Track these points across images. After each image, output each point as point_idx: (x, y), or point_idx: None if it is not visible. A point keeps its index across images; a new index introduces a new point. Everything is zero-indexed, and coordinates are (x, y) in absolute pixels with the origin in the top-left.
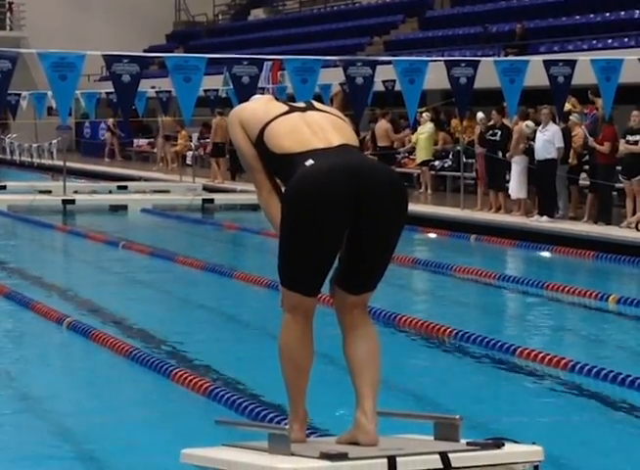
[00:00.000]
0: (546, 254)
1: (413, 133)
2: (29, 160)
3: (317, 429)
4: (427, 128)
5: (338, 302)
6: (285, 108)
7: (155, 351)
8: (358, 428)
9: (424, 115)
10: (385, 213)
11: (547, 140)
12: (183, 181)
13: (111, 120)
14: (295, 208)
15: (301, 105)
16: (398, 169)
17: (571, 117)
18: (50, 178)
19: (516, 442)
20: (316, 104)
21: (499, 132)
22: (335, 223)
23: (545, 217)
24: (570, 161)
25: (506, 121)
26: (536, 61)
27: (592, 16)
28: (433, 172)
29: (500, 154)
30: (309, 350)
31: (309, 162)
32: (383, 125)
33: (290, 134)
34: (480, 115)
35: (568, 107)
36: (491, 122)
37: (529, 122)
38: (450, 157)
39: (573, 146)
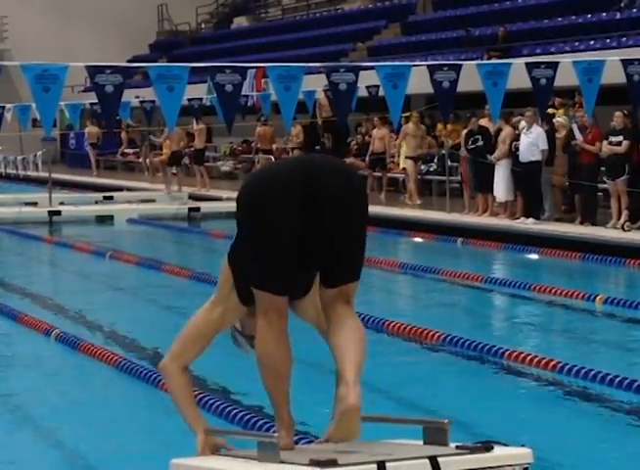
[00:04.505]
0: (533, 255)
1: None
2: (15, 172)
3: (307, 433)
4: None
5: (322, 302)
6: None
7: (143, 360)
8: (339, 399)
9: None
10: (340, 202)
11: (531, 142)
12: (169, 190)
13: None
14: (248, 203)
15: None
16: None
17: (559, 119)
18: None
19: (505, 445)
20: None
21: (480, 137)
22: (287, 215)
23: (531, 219)
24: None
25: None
26: (519, 63)
27: (574, 17)
28: (418, 176)
29: (489, 157)
30: (286, 353)
31: None
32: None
33: None
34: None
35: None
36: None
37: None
38: (435, 161)
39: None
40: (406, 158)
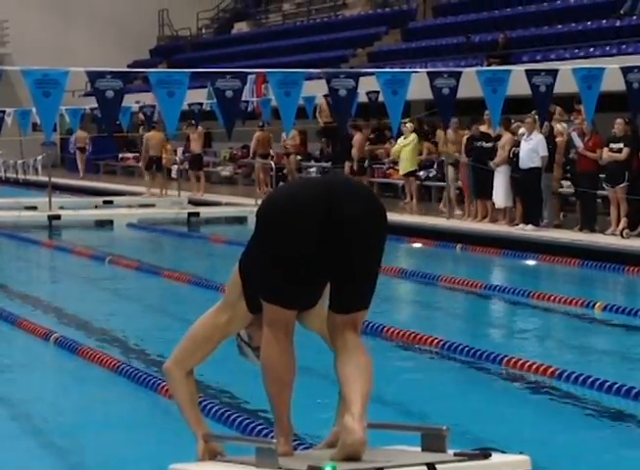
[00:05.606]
0: (532, 262)
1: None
2: (15, 176)
3: (304, 440)
4: (410, 139)
5: (329, 324)
6: None
7: (142, 365)
8: (345, 429)
9: (407, 125)
10: (359, 223)
11: (531, 149)
12: (168, 195)
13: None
14: (266, 215)
15: None
16: (383, 180)
17: (557, 126)
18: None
19: (503, 452)
20: None
21: (484, 141)
22: (304, 229)
23: (530, 226)
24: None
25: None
26: (519, 70)
27: (574, 25)
28: (418, 182)
29: (489, 162)
30: (291, 363)
31: None
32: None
33: None
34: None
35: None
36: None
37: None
38: (434, 167)
39: (557, 156)
40: (450, 164)
